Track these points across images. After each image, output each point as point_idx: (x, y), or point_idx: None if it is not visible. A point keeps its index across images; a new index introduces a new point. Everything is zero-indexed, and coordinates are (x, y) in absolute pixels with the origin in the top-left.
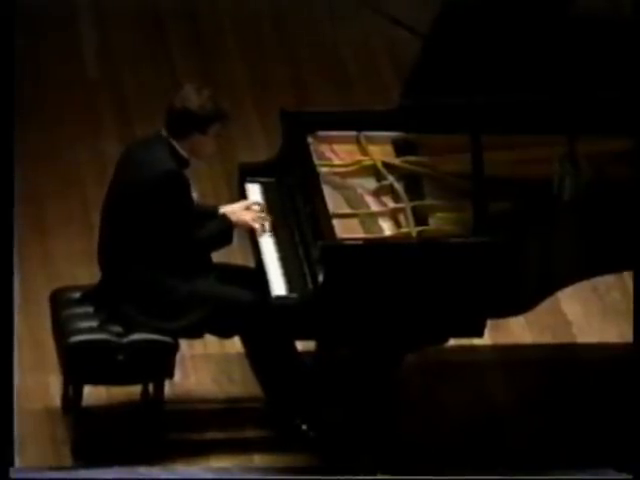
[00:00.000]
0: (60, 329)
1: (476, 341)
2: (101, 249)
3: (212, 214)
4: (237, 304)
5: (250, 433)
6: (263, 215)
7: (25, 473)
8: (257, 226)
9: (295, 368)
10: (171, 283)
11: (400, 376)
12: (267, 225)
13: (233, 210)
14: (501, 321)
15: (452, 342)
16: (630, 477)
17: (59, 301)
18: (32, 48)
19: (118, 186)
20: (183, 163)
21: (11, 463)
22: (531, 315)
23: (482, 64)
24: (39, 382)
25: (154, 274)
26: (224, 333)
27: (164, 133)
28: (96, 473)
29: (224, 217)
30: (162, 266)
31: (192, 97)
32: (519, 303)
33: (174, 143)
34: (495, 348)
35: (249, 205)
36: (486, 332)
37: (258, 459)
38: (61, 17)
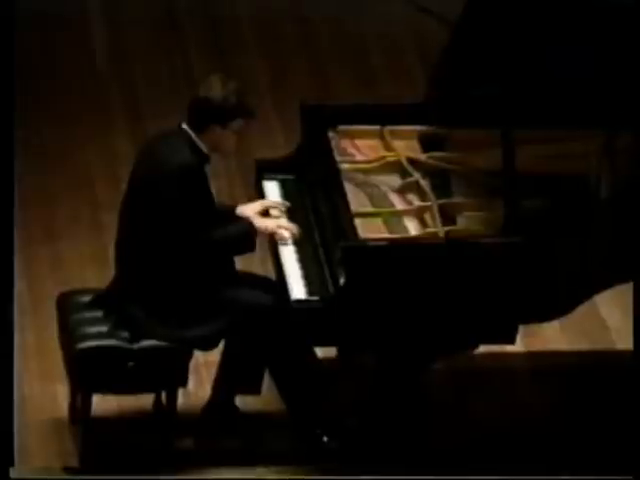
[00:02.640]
0: (67, 335)
1: (508, 348)
2: (117, 248)
3: (228, 214)
4: (254, 308)
5: (268, 444)
6: (287, 225)
7: (25, 473)
8: (283, 235)
9: (315, 376)
10: (187, 287)
11: (427, 385)
12: (289, 234)
13: (254, 209)
14: (534, 326)
15: (482, 349)
16: (630, 477)
17: (67, 305)
18: (43, 45)
19: (135, 182)
20: (203, 158)
21: (11, 463)
22: (566, 320)
23: (514, 53)
24: (45, 391)
25: (169, 276)
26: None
27: (185, 126)
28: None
29: (248, 223)
30: (178, 268)
31: (216, 87)
32: (553, 307)
33: (194, 137)
34: (528, 355)
35: (268, 205)
36: (518, 338)
37: (276, 472)
38: (72, 12)
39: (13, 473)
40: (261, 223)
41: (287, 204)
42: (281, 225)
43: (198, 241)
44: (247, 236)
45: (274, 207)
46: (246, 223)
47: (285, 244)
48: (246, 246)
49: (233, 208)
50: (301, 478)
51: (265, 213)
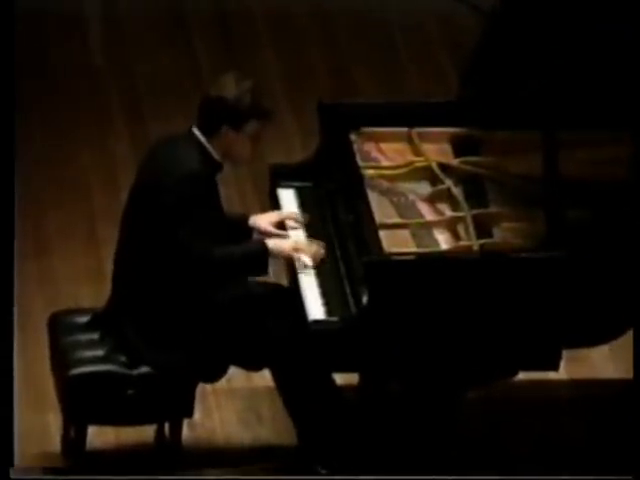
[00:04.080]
0: (60, 359)
1: (550, 375)
2: (116, 263)
3: (239, 225)
4: (267, 331)
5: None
6: (308, 247)
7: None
8: (303, 261)
9: (334, 406)
10: (191, 309)
11: (460, 416)
12: (309, 259)
13: (269, 220)
14: (580, 352)
15: (521, 376)
16: (630, 477)
17: (59, 326)
18: (33, 41)
19: (137, 191)
20: (214, 166)
21: (11, 463)
22: (616, 345)
23: (555, 47)
24: (35, 422)
25: (171, 297)
26: (252, 365)
27: (195, 130)
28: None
29: (261, 243)
30: (181, 288)
31: (230, 86)
32: (601, 330)
33: (205, 142)
34: (573, 383)
35: (285, 217)
36: (562, 364)
37: (274, 472)
38: (68, 5)
39: (13, 473)
40: (277, 246)
41: (306, 217)
42: (299, 248)
43: (203, 260)
44: (258, 258)
45: (291, 219)
46: (258, 243)
47: (305, 272)
48: (257, 269)
49: (245, 218)
50: (301, 478)
51: (281, 226)
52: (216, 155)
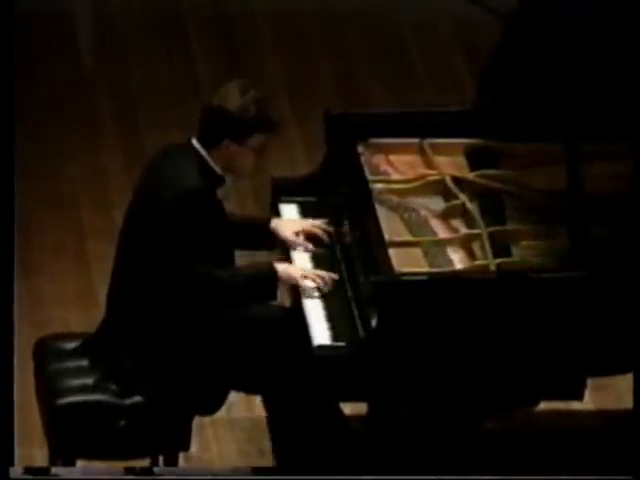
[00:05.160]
0: (46, 388)
1: (574, 405)
2: (111, 284)
3: (258, 229)
4: (268, 357)
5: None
6: (315, 273)
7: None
8: (307, 285)
9: (341, 437)
10: (189, 333)
11: (476, 448)
12: (315, 288)
13: (293, 228)
14: (606, 380)
15: (543, 405)
16: (630, 477)
17: (46, 352)
18: (21, 44)
19: (135, 207)
20: (215, 180)
21: (11, 463)
22: None
23: (579, 52)
24: (20, 456)
25: (168, 321)
26: (252, 388)
27: (195, 142)
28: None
29: (269, 266)
30: (181, 310)
31: (233, 95)
32: (628, 356)
33: (205, 155)
34: (599, 414)
35: (312, 227)
36: (587, 394)
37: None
38: (55, 6)
39: (13, 473)
40: (285, 272)
41: (333, 229)
42: (308, 275)
43: (204, 282)
44: (266, 283)
45: (319, 231)
46: (267, 266)
47: (311, 297)
48: (264, 294)
49: (265, 222)
50: (301, 478)
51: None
52: (217, 168)
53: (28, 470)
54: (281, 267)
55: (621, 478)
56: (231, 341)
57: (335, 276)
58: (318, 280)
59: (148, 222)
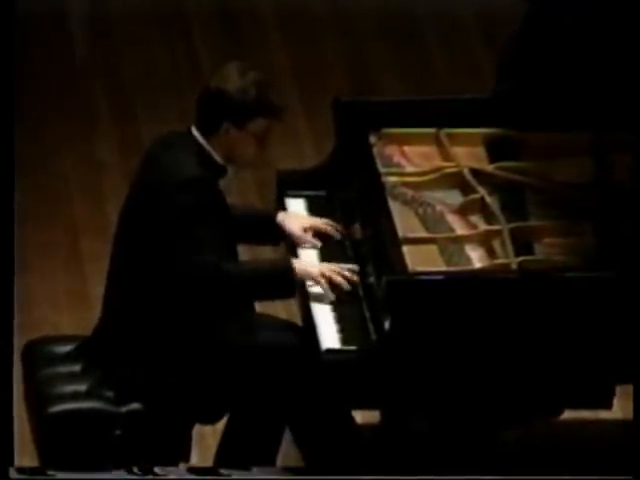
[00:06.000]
0: (36, 395)
1: (602, 414)
2: (108, 283)
3: (264, 221)
4: (275, 370)
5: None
6: (339, 270)
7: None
8: (324, 288)
9: (352, 446)
10: (192, 336)
11: (494, 459)
12: (332, 291)
13: (301, 224)
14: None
15: (568, 414)
16: (630, 477)
17: (35, 356)
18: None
19: (132, 201)
20: (216, 170)
21: (11, 463)
22: None
23: (609, 35)
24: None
25: (168, 323)
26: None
27: (194, 129)
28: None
29: (285, 261)
30: (184, 310)
31: (232, 77)
32: None
33: (205, 144)
34: (627, 424)
35: (320, 225)
36: (615, 402)
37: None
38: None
39: (13, 473)
40: (303, 269)
41: (342, 230)
42: (328, 277)
43: (209, 277)
44: (281, 279)
45: (328, 229)
46: (282, 261)
47: (321, 302)
48: (279, 291)
49: (272, 215)
50: (301, 478)
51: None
52: (218, 158)
53: (21, 470)
54: (298, 264)
55: (621, 478)
56: (238, 365)
57: (356, 267)
58: (339, 279)
59: (147, 217)
